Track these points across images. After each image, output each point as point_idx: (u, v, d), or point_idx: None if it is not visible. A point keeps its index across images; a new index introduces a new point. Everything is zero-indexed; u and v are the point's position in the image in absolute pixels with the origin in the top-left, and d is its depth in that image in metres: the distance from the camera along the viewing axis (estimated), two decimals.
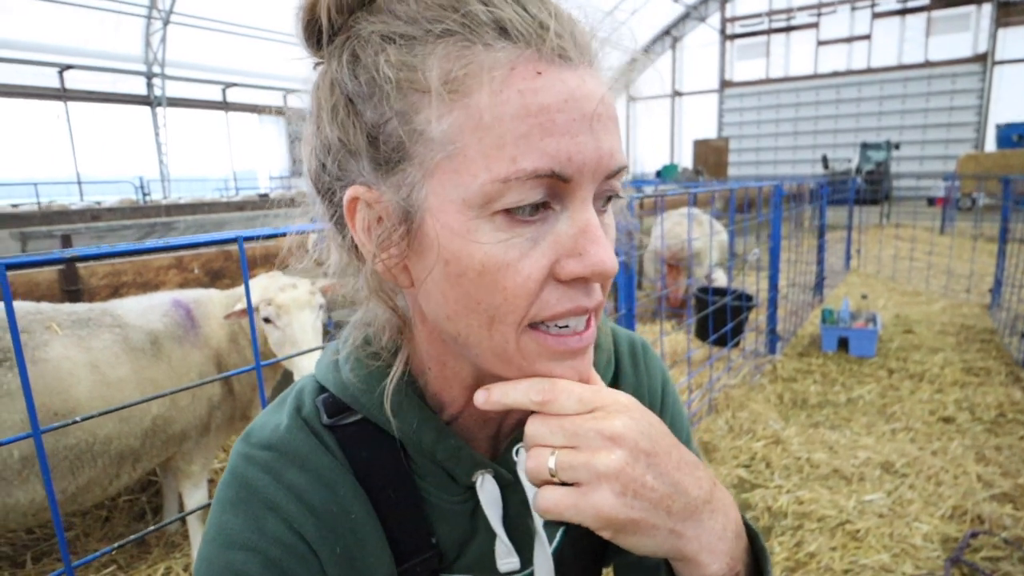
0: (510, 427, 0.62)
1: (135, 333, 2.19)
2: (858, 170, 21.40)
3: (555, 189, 0.45)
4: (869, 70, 26.88)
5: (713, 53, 31.33)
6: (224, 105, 23.93)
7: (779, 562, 2.52)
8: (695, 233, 5.58)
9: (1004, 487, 2.93)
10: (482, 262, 0.45)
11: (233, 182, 25.30)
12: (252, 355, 2.55)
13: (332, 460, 0.57)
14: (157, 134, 22.36)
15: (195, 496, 2.44)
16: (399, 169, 0.46)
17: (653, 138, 35.53)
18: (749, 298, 4.93)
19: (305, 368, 2.25)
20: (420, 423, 0.56)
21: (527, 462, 0.49)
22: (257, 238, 1.14)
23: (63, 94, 19.89)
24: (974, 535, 2.60)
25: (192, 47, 21.06)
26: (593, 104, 0.45)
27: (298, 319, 2.32)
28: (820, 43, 28.10)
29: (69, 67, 19.44)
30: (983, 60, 24.24)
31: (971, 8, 24.21)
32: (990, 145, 23.23)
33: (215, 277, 3.49)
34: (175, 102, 22.54)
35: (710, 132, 30.82)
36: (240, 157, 25.44)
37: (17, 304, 2.03)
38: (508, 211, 0.44)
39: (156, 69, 21.27)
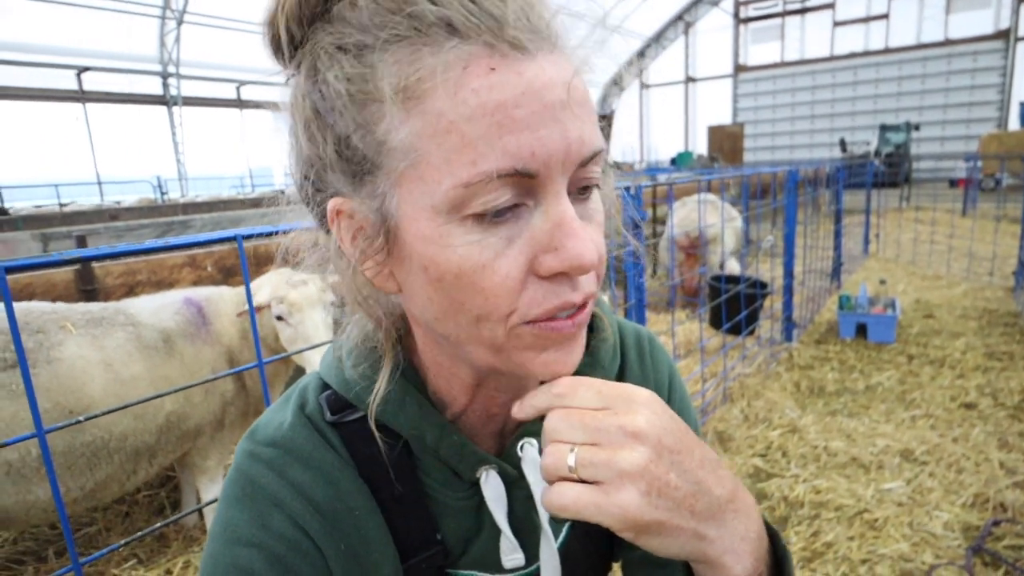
0: (514, 424, 0.62)
1: (148, 331, 2.22)
2: (877, 153, 21.00)
3: (523, 186, 0.43)
4: (887, 50, 26.32)
5: (727, 37, 30.87)
6: (239, 103, 24.13)
7: (796, 552, 2.50)
8: (712, 219, 5.52)
9: None
10: (458, 265, 0.44)
11: (249, 179, 25.55)
12: (265, 351, 2.61)
13: (336, 457, 0.57)
14: (174, 133, 22.63)
15: (211, 490, 2.48)
16: (369, 180, 0.46)
17: (667, 125, 35.18)
18: (764, 285, 4.88)
19: (317, 363, 2.27)
20: (422, 420, 0.56)
21: (544, 458, 0.47)
22: (256, 236, 1.15)
23: (81, 96, 20.18)
24: (996, 523, 2.55)
25: (206, 46, 21.24)
26: (555, 92, 0.43)
27: (310, 316, 2.34)
28: (836, 24, 27.55)
29: (87, 69, 19.72)
30: (1005, 37, 23.60)
31: None
32: (1014, 124, 22.66)
33: (228, 274, 3.52)
34: (190, 101, 22.77)
35: (725, 118, 30.44)
36: (256, 154, 25.71)
37: (32, 304, 2.07)
38: (478, 214, 0.43)
39: (171, 69, 21.49)
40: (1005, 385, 3.86)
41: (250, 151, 25.54)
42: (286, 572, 0.52)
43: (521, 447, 0.56)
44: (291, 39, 0.48)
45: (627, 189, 2.43)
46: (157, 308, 2.34)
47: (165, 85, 21.83)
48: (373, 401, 0.54)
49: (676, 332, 4.62)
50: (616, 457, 0.44)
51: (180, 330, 2.32)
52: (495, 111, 0.41)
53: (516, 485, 0.60)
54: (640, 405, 0.47)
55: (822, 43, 28.01)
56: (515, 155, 0.41)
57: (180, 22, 20.28)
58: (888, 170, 15.84)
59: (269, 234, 1.19)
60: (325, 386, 0.61)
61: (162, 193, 20.24)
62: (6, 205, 16.37)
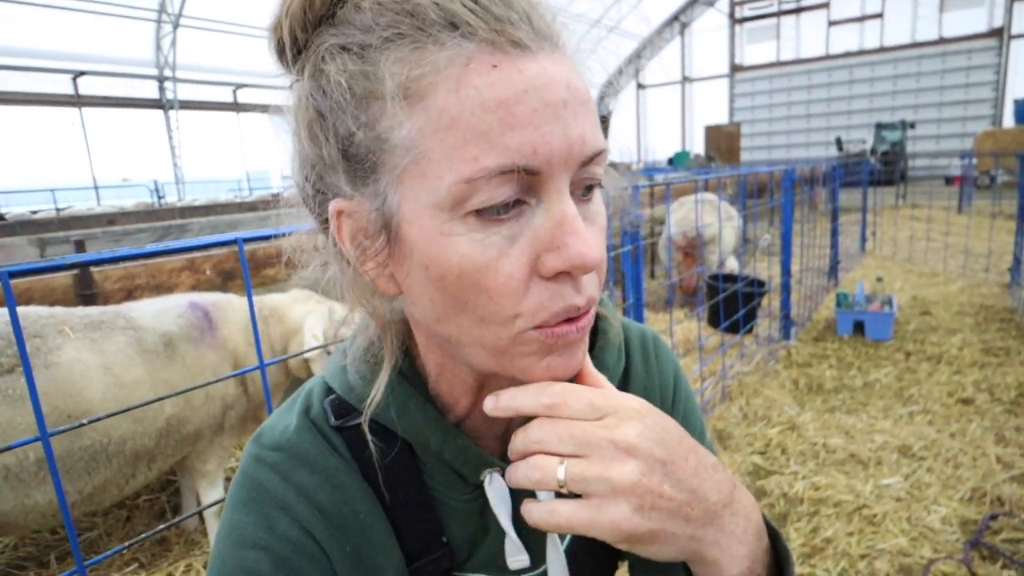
0: (518, 426, 0.62)
1: (149, 335, 2.22)
2: (873, 151, 21.05)
3: (526, 184, 0.43)
4: (882, 49, 26.41)
5: (722, 37, 30.94)
6: (235, 106, 24.11)
7: (795, 548, 2.51)
8: (710, 219, 5.53)
9: None
10: (460, 264, 0.44)
11: (247, 182, 25.51)
12: (272, 359, 2.63)
13: (340, 460, 0.57)
14: (170, 137, 22.61)
15: (211, 494, 2.48)
16: (372, 179, 0.46)
17: (664, 126, 35.22)
18: (761, 284, 4.89)
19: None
20: (426, 423, 0.56)
21: (531, 470, 0.47)
22: (257, 239, 1.15)
23: (77, 100, 20.16)
24: (993, 517, 2.56)
25: (202, 49, 21.23)
26: (557, 91, 0.43)
27: None
28: (831, 23, 27.64)
29: (83, 73, 19.70)
30: (999, 35, 23.70)
31: None
32: (1008, 121, 22.72)
33: (227, 278, 3.52)
34: (187, 105, 22.75)
35: (721, 118, 30.48)
36: (253, 157, 25.69)
37: (31, 308, 2.07)
38: (480, 211, 0.43)
39: (167, 73, 21.48)
40: (1001, 380, 3.88)
41: (247, 154, 25.53)
42: (292, 574, 0.53)
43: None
44: (295, 43, 0.48)
45: (624, 190, 2.44)
46: (159, 312, 2.34)
47: (161, 89, 21.81)
48: (368, 405, 0.54)
49: (675, 331, 4.63)
50: (608, 472, 0.44)
51: (183, 334, 2.32)
52: (497, 107, 0.41)
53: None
54: (631, 417, 0.47)
55: (817, 42, 28.08)
56: (517, 151, 0.42)
57: (176, 26, 20.27)
58: (884, 168, 15.87)
59: (269, 237, 1.20)
60: (330, 390, 0.61)
61: (159, 197, 20.21)
62: (3, 210, 16.33)
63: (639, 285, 2.67)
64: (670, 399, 0.71)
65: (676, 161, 23.71)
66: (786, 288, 4.81)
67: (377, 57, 0.44)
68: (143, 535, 1.20)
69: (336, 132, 0.46)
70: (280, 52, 0.49)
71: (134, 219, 10.03)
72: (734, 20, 30.33)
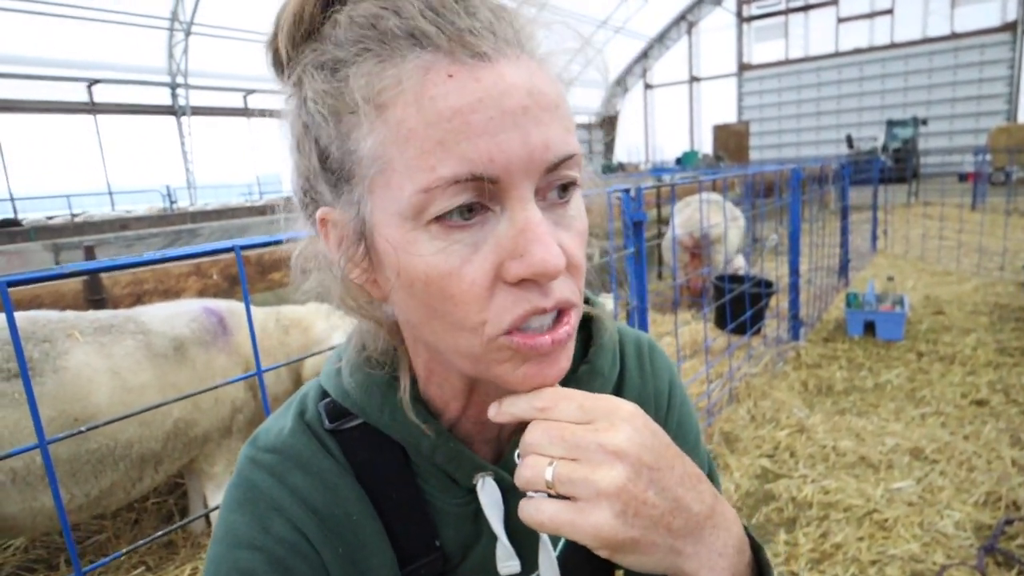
0: (510, 431, 0.62)
1: (158, 339, 2.24)
2: (884, 148, 20.87)
3: (488, 191, 0.44)
4: (892, 45, 26.17)
5: (730, 36, 30.81)
6: (246, 111, 24.30)
7: (804, 554, 2.48)
8: (716, 219, 5.50)
9: None
10: (425, 272, 0.45)
11: (257, 187, 25.71)
12: (279, 355, 2.66)
13: (334, 463, 0.58)
14: (183, 143, 22.84)
15: (218, 497, 2.49)
16: (347, 189, 0.47)
17: (672, 125, 35.10)
18: (769, 284, 4.85)
19: None
20: (418, 427, 0.56)
21: (522, 469, 0.48)
22: (254, 246, 1.16)
23: (92, 108, 20.43)
24: (1009, 522, 2.52)
25: (213, 56, 21.44)
26: (516, 98, 0.43)
27: None
28: (840, 20, 27.43)
29: (97, 81, 19.96)
30: (1012, 29, 23.41)
31: None
32: (1023, 116, 22.44)
33: (234, 283, 3.54)
34: (199, 111, 22.98)
35: (730, 117, 30.35)
36: (264, 162, 25.88)
37: (40, 313, 2.10)
38: (441, 218, 0.44)
39: (180, 79, 21.70)
40: (1017, 381, 3.82)
41: (258, 159, 25.73)
42: (286, 574, 0.53)
43: (518, 455, 0.56)
44: (287, 58, 0.50)
45: (627, 191, 2.43)
46: (170, 316, 2.37)
47: (174, 95, 22.04)
48: (401, 401, 0.55)
49: (681, 333, 4.61)
50: (594, 475, 0.44)
51: (195, 338, 2.35)
52: (452, 117, 0.42)
53: (513, 492, 0.59)
54: (622, 421, 0.47)
55: (826, 40, 27.88)
56: (473, 160, 0.42)
57: (188, 33, 20.47)
58: (896, 165, 15.72)
59: (267, 244, 1.20)
60: (325, 394, 0.62)
61: (171, 202, 20.40)
62: (19, 216, 16.57)
63: (643, 287, 2.65)
64: (664, 406, 0.71)
65: (684, 161, 23.62)
66: (794, 288, 4.77)
67: (347, 72, 0.45)
68: (149, 538, 1.21)
69: (317, 144, 0.48)
70: (276, 66, 0.51)
71: (146, 224, 10.12)
72: (742, 19, 30.18)
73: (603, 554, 0.46)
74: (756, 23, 30.04)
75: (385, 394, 0.57)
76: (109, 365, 2.05)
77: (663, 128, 35.88)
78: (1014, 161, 13.24)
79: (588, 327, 0.66)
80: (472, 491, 0.59)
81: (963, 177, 17.84)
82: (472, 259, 0.45)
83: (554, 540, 0.65)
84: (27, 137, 20.59)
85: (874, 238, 8.52)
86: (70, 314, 2.16)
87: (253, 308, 2.68)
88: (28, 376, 0.93)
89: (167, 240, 6.50)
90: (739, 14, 30.17)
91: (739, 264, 5.68)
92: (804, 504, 2.80)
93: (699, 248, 5.60)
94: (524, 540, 0.60)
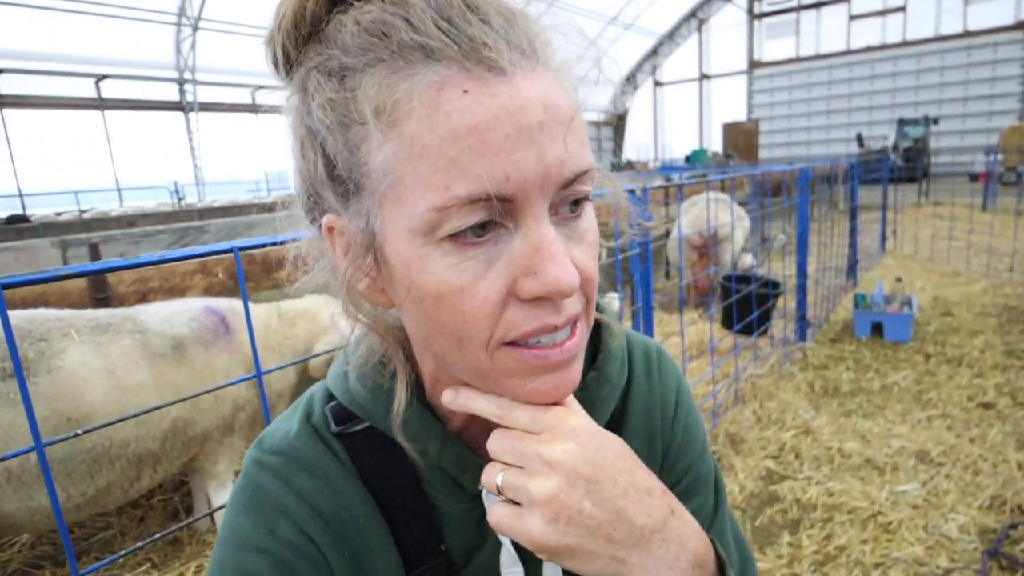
0: None
1: (156, 338, 2.25)
2: (895, 147, 20.70)
3: (502, 209, 0.43)
4: (904, 43, 25.95)
5: (741, 33, 30.64)
6: (254, 108, 24.34)
7: (808, 556, 2.47)
8: (724, 218, 5.48)
9: None
10: (437, 288, 0.44)
11: (265, 183, 25.80)
12: (285, 349, 2.68)
13: (340, 466, 0.58)
14: (190, 138, 22.94)
15: (221, 495, 2.50)
16: (355, 199, 0.47)
17: (681, 123, 34.97)
18: (776, 285, 4.82)
19: None
20: (425, 431, 0.56)
21: (483, 475, 0.51)
22: (253, 247, 1.16)
23: (100, 103, 20.54)
24: (1013, 526, 2.50)
25: (221, 52, 21.51)
26: (532, 114, 0.42)
27: None
28: (852, 17, 27.22)
29: (105, 77, 20.06)
30: None
31: None
32: None
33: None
34: (207, 107, 23.06)
35: (739, 115, 30.20)
36: (272, 158, 25.96)
37: (38, 312, 2.10)
38: (454, 236, 0.43)
39: (187, 75, 21.79)
40: None
41: (266, 155, 25.81)
42: None
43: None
44: (287, 58, 0.48)
45: (632, 192, 2.42)
46: (170, 315, 2.38)
47: (181, 91, 22.14)
48: (397, 414, 0.56)
49: (688, 333, 4.59)
50: (529, 484, 0.47)
51: (195, 336, 2.35)
52: (467, 135, 0.41)
53: None
54: (564, 434, 0.48)
55: (838, 37, 27.68)
56: (488, 179, 0.41)
57: (195, 28, 20.55)
58: (906, 165, 15.60)
59: (266, 245, 1.20)
60: (331, 397, 0.62)
61: (179, 198, 20.51)
62: (28, 212, 16.70)
63: (648, 288, 2.64)
64: (671, 413, 0.70)
65: (693, 159, 23.53)
66: (802, 289, 4.74)
67: (356, 82, 0.44)
68: (153, 537, 1.21)
69: (323, 151, 0.47)
70: (275, 65, 0.50)
71: (154, 221, 10.19)
72: (752, 16, 30.00)
73: (543, 557, 0.47)
74: (767, 20, 29.86)
75: (392, 398, 0.57)
76: (104, 364, 2.05)
77: (672, 126, 35.77)
78: None
79: (597, 333, 0.66)
80: (477, 496, 0.59)
81: (974, 177, 17.68)
82: (485, 276, 0.44)
83: None
84: (35, 133, 20.74)
85: (883, 238, 8.45)
86: (68, 313, 2.16)
87: (256, 305, 2.70)
88: (23, 378, 0.93)
89: (174, 237, 6.53)
90: (750, 11, 29.99)
91: (748, 263, 5.65)
92: (808, 506, 2.79)
93: (707, 247, 5.58)
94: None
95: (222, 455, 2.47)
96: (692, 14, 32.58)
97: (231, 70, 22.63)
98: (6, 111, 18.38)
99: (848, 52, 27.39)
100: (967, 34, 24.42)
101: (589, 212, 0.49)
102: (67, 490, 1.92)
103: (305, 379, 2.92)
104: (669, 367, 0.72)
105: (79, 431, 1.03)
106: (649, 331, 2.75)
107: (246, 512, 0.55)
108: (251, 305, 2.67)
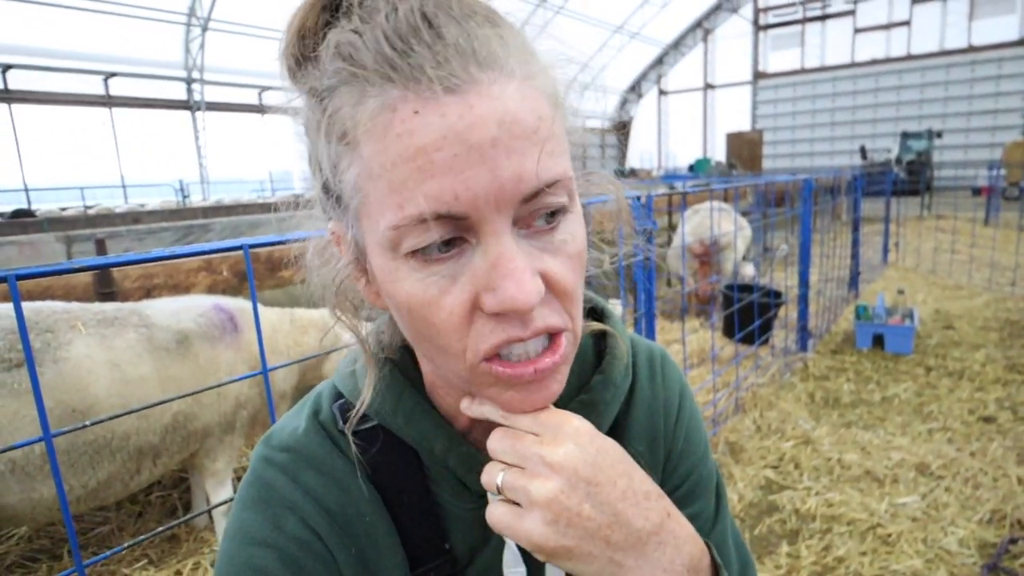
0: None
1: (161, 332, 2.26)
2: (898, 160, 20.72)
3: (459, 225, 0.43)
4: (909, 57, 25.99)
5: (746, 44, 30.71)
6: (260, 108, 24.44)
7: (806, 567, 2.46)
8: (725, 227, 5.49)
9: None
10: (407, 301, 0.46)
11: (270, 183, 25.86)
12: (293, 353, 2.69)
13: (347, 464, 0.58)
14: (197, 137, 23.00)
15: (220, 493, 2.50)
16: (344, 212, 0.48)
17: (685, 132, 35.03)
18: (778, 295, 4.82)
19: None
20: (432, 431, 0.57)
21: (483, 475, 0.51)
22: (263, 245, 1.16)
23: (108, 101, 20.61)
24: (1013, 541, 2.50)
25: (230, 52, 21.59)
26: (483, 131, 0.41)
27: None
28: (857, 31, 27.29)
29: (113, 75, 20.14)
30: None
31: None
32: None
33: (243, 279, 3.57)
34: (214, 106, 23.14)
35: (744, 125, 30.24)
36: (276, 159, 26.04)
37: (46, 304, 2.12)
38: (417, 252, 0.44)
39: (196, 75, 21.87)
40: None
41: (271, 156, 25.89)
42: (300, 572, 0.54)
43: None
44: (293, 74, 0.50)
45: (637, 198, 2.43)
46: (177, 310, 2.39)
47: (189, 90, 22.21)
48: (360, 405, 0.56)
49: (689, 341, 4.59)
50: (530, 485, 0.47)
51: (201, 332, 2.37)
52: (416, 155, 0.41)
53: None
54: (565, 436, 0.49)
55: (843, 50, 27.75)
56: (437, 199, 0.41)
57: (205, 29, 20.63)
58: (909, 178, 15.60)
59: (275, 243, 1.21)
60: (339, 394, 0.62)
61: (184, 196, 20.55)
62: (33, 207, 16.75)
63: (651, 295, 2.65)
64: (673, 418, 0.71)
65: (697, 168, 23.53)
66: (804, 299, 4.75)
67: (329, 103, 0.45)
68: (151, 533, 1.21)
69: (319, 165, 0.49)
70: (287, 78, 0.51)
71: (158, 218, 10.21)
72: (758, 27, 30.09)
73: (541, 558, 0.48)
74: (772, 31, 29.94)
75: (399, 397, 0.58)
76: (109, 357, 2.07)
77: (676, 134, 35.82)
78: None
79: (602, 338, 0.67)
80: (482, 496, 0.59)
81: (977, 191, 17.69)
82: (450, 290, 0.45)
83: None
84: (43, 128, 20.80)
85: (885, 250, 8.45)
86: (75, 305, 2.18)
87: (267, 309, 2.72)
88: (35, 370, 0.94)
89: (178, 235, 6.55)
90: (756, 22, 30.08)
91: (749, 272, 5.65)
92: (807, 516, 2.78)
93: (708, 255, 5.58)
94: None
95: (222, 453, 2.47)
96: (698, 24, 32.68)
97: (239, 70, 22.72)
98: (14, 106, 18.46)
99: (853, 65, 27.44)
100: (971, 49, 24.46)
101: (570, 222, 0.48)
102: (69, 482, 1.93)
103: (306, 387, 2.93)
104: (672, 371, 0.72)
105: (87, 422, 1.03)
106: (651, 338, 2.75)
107: (254, 507, 0.56)
108: (264, 308, 2.70)
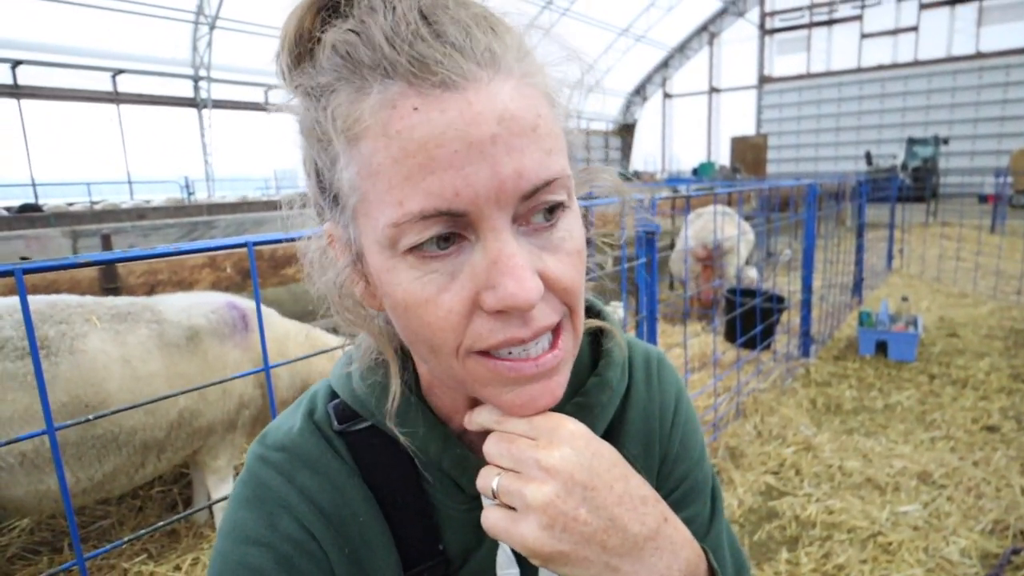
0: None
1: (172, 328, 2.27)
2: (904, 166, 20.66)
3: (460, 222, 0.43)
4: (916, 63, 25.93)
5: (751, 48, 30.69)
6: (266, 106, 24.42)
7: (806, 573, 2.46)
8: (729, 231, 5.48)
9: None
10: (404, 299, 0.46)
11: (274, 181, 25.94)
12: (299, 367, 2.68)
13: (342, 464, 0.58)
14: (203, 135, 23.07)
15: (221, 489, 2.51)
16: (340, 212, 0.48)
17: (690, 135, 35.00)
18: (780, 300, 4.81)
19: None
20: (426, 432, 0.57)
21: (478, 479, 0.51)
22: (267, 243, 1.17)
23: (115, 97, 20.68)
24: (1016, 551, 2.48)
25: (237, 51, 21.65)
26: (484, 127, 0.41)
27: None
28: (864, 36, 27.23)
29: (121, 71, 20.22)
30: None
31: None
32: None
33: (246, 275, 3.58)
34: (220, 104, 23.21)
35: (748, 129, 30.21)
36: (281, 157, 26.12)
37: (60, 297, 2.14)
38: (415, 249, 0.44)
39: (203, 72, 21.93)
40: None
41: (276, 154, 25.97)
42: (293, 572, 0.54)
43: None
44: (288, 76, 0.50)
45: (640, 201, 2.42)
46: (189, 306, 2.40)
47: (196, 88, 22.27)
48: (391, 412, 0.56)
49: (690, 345, 4.58)
50: (525, 489, 0.47)
51: (212, 329, 2.38)
52: (417, 152, 0.41)
53: None
54: (561, 440, 0.49)
55: (849, 55, 27.69)
56: (438, 196, 0.41)
57: (212, 27, 20.69)
58: (915, 184, 15.56)
59: (280, 241, 1.21)
60: (334, 395, 0.62)
61: (189, 193, 20.60)
62: (40, 202, 16.82)
63: (653, 297, 2.65)
64: (669, 421, 0.70)
65: (701, 172, 23.53)
66: (806, 304, 4.73)
67: (327, 102, 0.45)
68: (152, 527, 1.22)
69: (315, 165, 0.49)
70: (282, 81, 0.52)
71: (163, 215, 10.23)
72: (764, 31, 30.05)
73: (536, 563, 0.48)
74: (778, 36, 29.89)
75: (394, 398, 0.58)
76: (122, 353, 2.08)
77: (681, 138, 35.79)
78: None
79: (599, 339, 0.67)
80: (476, 497, 0.59)
81: (983, 199, 17.61)
82: (449, 287, 0.45)
83: None
84: (50, 124, 20.90)
85: (890, 257, 8.43)
86: (89, 299, 2.20)
87: (287, 320, 2.72)
88: (39, 361, 0.94)
89: (183, 231, 6.56)
90: (762, 26, 30.04)
91: (752, 277, 5.64)
92: (808, 523, 2.78)
93: (711, 259, 5.58)
94: None
95: (223, 450, 2.48)
96: (704, 28, 32.66)
97: (246, 69, 22.78)
98: (23, 101, 18.54)
99: (859, 70, 27.38)
100: (979, 55, 24.39)
101: (569, 220, 0.48)
102: (76, 474, 1.95)
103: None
104: (669, 375, 0.72)
105: (90, 416, 1.04)
106: (652, 341, 2.74)
107: (248, 506, 0.56)
108: (284, 319, 2.69)
